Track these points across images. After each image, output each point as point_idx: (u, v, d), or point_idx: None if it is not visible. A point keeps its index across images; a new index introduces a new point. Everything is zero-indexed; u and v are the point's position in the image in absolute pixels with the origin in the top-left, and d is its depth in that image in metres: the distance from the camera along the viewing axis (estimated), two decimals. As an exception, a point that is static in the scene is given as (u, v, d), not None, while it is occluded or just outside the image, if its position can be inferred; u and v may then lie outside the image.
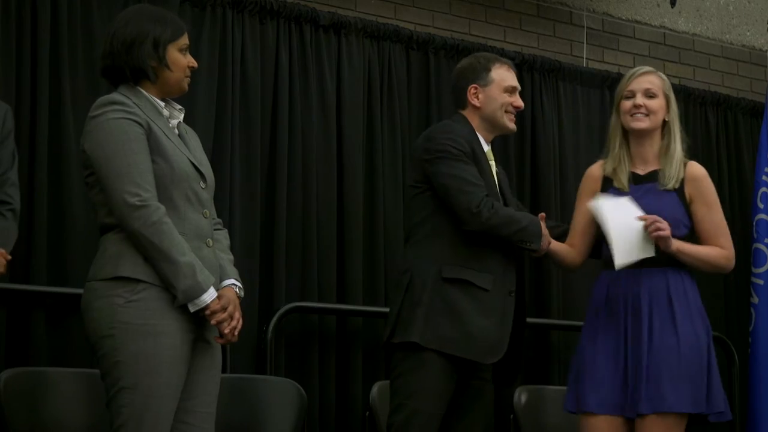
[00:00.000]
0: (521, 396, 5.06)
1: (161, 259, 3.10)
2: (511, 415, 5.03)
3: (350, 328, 4.96)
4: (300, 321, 4.87)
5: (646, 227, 3.68)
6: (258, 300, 4.76)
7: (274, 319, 4.67)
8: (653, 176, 3.88)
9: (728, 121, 6.35)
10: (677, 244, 3.74)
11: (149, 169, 3.15)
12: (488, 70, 3.86)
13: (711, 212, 3.89)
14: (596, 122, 5.86)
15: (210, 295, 3.14)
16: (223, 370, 4.32)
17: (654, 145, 3.91)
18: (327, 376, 4.86)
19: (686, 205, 3.86)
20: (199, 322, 3.19)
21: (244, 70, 4.85)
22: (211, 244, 3.28)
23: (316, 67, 5.05)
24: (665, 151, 3.90)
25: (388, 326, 3.76)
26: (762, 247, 5.89)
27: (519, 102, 3.89)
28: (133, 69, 3.25)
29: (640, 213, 3.72)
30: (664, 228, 3.69)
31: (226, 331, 3.19)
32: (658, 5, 6.29)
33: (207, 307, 3.14)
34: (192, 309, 3.13)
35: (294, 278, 4.86)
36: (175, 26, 3.31)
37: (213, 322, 3.16)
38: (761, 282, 5.85)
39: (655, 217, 3.70)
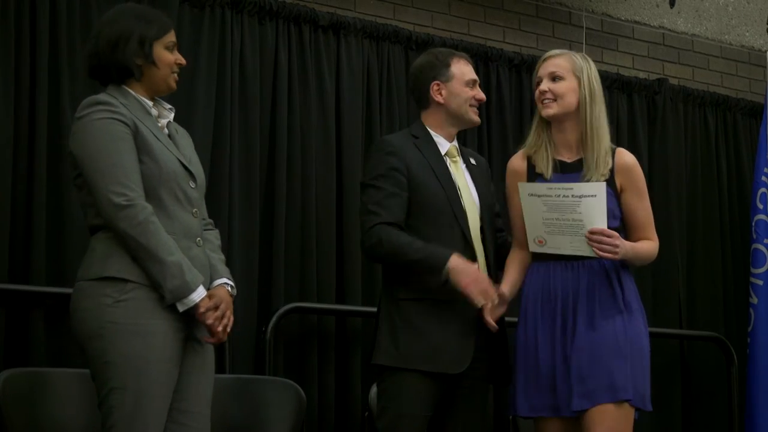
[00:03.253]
0: (520, 396, 5.05)
1: (148, 258, 3.09)
2: (511, 416, 5.03)
3: (349, 328, 4.96)
4: (299, 321, 4.86)
5: (590, 240, 3.54)
6: (257, 300, 4.76)
7: (273, 319, 4.67)
8: (581, 165, 3.69)
9: (727, 121, 6.35)
10: (625, 251, 3.57)
11: (135, 169, 3.13)
12: (448, 65, 3.83)
13: (642, 201, 3.71)
14: (595, 123, 5.87)
15: (198, 294, 3.13)
16: (223, 371, 4.35)
17: (575, 131, 3.70)
18: (326, 376, 4.86)
19: (617, 195, 3.67)
20: (189, 321, 3.17)
21: (243, 70, 4.85)
22: (200, 243, 3.26)
23: (316, 68, 5.05)
24: (583, 139, 3.68)
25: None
26: (761, 247, 5.89)
27: (481, 95, 3.85)
28: (119, 68, 3.24)
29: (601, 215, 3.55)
30: (611, 252, 3.54)
31: (219, 329, 3.17)
32: (658, 5, 6.29)
33: (197, 306, 3.13)
34: (181, 309, 3.12)
35: (293, 279, 4.85)
36: (160, 23, 3.29)
37: (208, 321, 3.15)
38: (760, 282, 5.85)
39: (606, 232, 3.53)
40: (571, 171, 3.68)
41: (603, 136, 3.68)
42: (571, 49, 5.93)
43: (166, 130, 3.31)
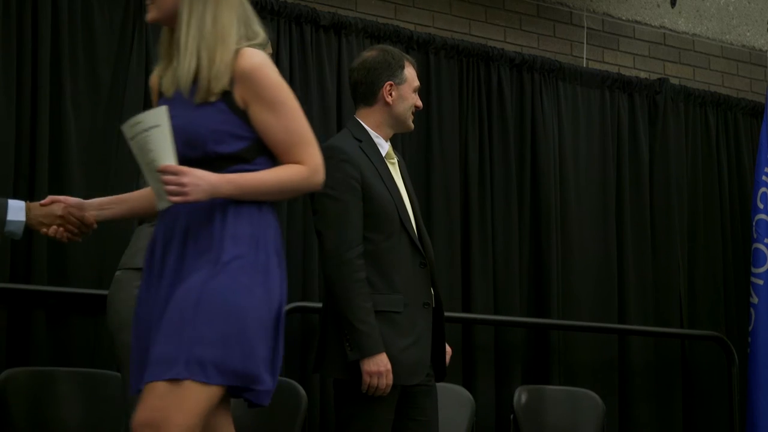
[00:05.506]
0: (521, 396, 5.07)
1: None
2: (511, 415, 5.04)
3: (350, 327, 4.96)
4: (301, 321, 4.87)
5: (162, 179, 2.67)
6: (258, 300, 4.76)
7: (275, 318, 4.67)
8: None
9: (728, 121, 6.35)
10: (213, 188, 2.68)
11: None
12: (402, 67, 3.77)
13: (277, 116, 2.77)
14: (596, 122, 5.87)
15: None
16: (224, 370, 4.34)
17: None
18: (327, 375, 4.87)
19: (239, 110, 2.77)
20: None
21: (244, 70, 4.86)
22: None
23: (317, 68, 5.05)
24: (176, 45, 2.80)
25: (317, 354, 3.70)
26: (762, 247, 5.90)
27: (420, 103, 3.82)
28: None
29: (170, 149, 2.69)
30: (179, 194, 2.65)
31: None
32: (658, 5, 6.30)
33: None
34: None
35: (295, 278, 4.85)
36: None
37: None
38: (761, 282, 5.85)
39: (170, 169, 2.66)
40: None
41: (214, 40, 2.77)
42: (572, 48, 6.00)
43: None
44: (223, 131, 2.76)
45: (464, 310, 5.24)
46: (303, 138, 2.81)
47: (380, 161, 3.70)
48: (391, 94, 3.74)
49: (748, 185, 6.21)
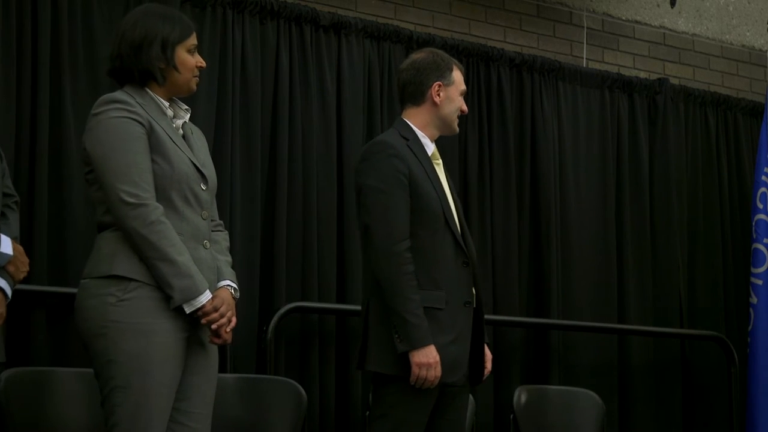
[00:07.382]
0: (521, 396, 5.07)
1: (158, 257, 3.10)
2: (511, 415, 5.04)
3: (350, 328, 4.96)
4: (300, 321, 4.87)
5: None
6: (258, 300, 4.77)
7: (275, 319, 4.68)
8: None
9: (728, 121, 6.36)
10: None
11: (148, 169, 3.16)
12: (450, 69, 3.81)
13: None
14: (596, 122, 5.88)
15: (206, 297, 3.15)
16: (224, 370, 4.35)
17: None
18: (327, 375, 4.86)
19: None
20: (193, 322, 3.19)
21: (244, 70, 4.86)
22: (208, 245, 3.28)
23: (317, 68, 5.05)
24: None
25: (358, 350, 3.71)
26: (761, 247, 5.90)
27: (465, 107, 3.85)
28: (141, 71, 3.26)
29: None
30: None
31: (221, 331, 3.20)
32: (658, 5, 6.30)
33: (201, 307, 3.15)
34: (188, 310, 3.13)
35: (294, 278, 4.86)
36: (183, 26, 3.31)
37: (203, 322, 3.17)
38: (760, 282, 5.86)
39: None
40: None
41: None
42: (572, 48, 6.00)
43: (181, 131, 3.34)
44: None
45: (464, 310, 5.24)
46: None
47: (426, 160, 3.73)
48: (439, 95, 3.79)
49: (747, 185, 6.21)
